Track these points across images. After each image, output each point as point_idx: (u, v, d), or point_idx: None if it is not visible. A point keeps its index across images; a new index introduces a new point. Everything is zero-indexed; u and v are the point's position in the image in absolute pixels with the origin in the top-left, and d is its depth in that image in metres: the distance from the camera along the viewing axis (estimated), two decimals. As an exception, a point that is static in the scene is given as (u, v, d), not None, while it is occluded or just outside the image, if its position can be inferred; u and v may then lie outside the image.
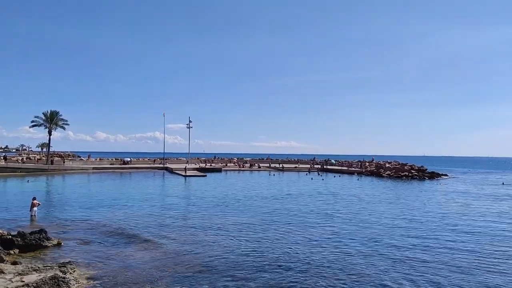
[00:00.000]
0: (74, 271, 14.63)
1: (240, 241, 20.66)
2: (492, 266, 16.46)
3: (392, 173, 75.72)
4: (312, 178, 69.76)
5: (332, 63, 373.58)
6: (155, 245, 19.63)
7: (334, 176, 75.50)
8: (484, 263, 16.89)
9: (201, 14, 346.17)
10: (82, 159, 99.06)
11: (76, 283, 13.43)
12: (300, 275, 15.05)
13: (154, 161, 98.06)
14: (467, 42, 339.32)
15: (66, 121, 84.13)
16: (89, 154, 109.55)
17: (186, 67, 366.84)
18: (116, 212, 29.56)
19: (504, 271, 15.82)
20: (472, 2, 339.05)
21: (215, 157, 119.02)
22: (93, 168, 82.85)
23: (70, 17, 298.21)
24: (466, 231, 24.05)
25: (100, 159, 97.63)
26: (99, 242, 20.11)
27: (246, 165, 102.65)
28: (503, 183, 66.66)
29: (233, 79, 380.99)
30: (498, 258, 17.77)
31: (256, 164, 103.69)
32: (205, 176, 70.22)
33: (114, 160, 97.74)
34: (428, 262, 16.88)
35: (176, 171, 77.43)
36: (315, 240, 20.95)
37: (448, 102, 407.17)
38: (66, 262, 15.57)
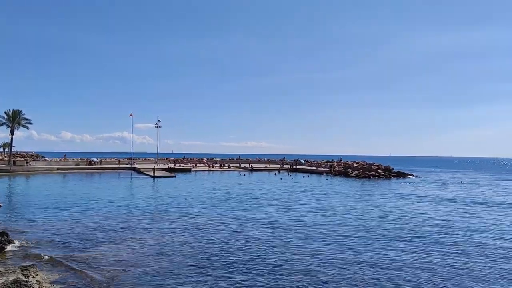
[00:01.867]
0: (37, 275, 14.26)
1: (209, 242, 20.63)
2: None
3: (360, 173, 77.18)
4: (281, 178, 70.29)
5: (303, 63, 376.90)
6: (121, 247, 19.34)
7: (304, 176, 76.29)
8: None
9: (171, 14, 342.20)
10: (46, 159, 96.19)
11: (39, 287, 13.07)
12: (268, 274, 15.18)
13: (119, 161, 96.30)
14: (439, 43, 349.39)
15: (30, 120, 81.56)
16: (65, 155, 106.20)
17: (155, 67, 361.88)
18: (82, 214, 28.92)
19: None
20: (443, 4, 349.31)
21: (184, 157, 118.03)
22: (58, 169, 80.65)
23: (34, 12, 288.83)
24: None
25: (65, 159, 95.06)
26: (64, 245, 19.64)
27: (216, 165, 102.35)
28: (461, 181, 69.65)
29: (202, 78, 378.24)
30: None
31: (226, 164, 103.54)
32: (174, 176, 69.55)
33: (79, 160, 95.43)
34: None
35: (144, 172, 76.36)
36: (285, 240, 21.15)
37: (413, 102, 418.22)
38: (29, 266, 15.15)
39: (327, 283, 14.27)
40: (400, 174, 79.35)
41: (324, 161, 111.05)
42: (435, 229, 24.73)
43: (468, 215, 30.55)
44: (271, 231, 23.48)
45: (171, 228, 24.15)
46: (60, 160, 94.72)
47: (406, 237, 22.09)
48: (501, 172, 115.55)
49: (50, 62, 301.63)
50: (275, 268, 15.93)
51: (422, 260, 17.35)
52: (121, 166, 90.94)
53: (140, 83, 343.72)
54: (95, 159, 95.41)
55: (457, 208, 34.39)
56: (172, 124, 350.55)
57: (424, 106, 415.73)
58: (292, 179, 68.94)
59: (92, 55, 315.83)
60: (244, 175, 79.76)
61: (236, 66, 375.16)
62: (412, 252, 18.73)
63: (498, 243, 21.15)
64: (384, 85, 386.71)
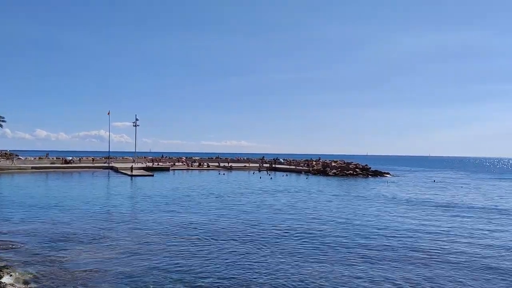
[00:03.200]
0: (10, 275, 14.01)
1: (187, 241, 20.61)
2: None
3: (338, 172, 78.06)
4: (260, 177, 70.49)
5: (282, 63, 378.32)
6: (98, 247, 19.14)
7: (283, 175, 76.69)
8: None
9: (151, 11, 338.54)
10: (20, 158, 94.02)
11: (12, 287, 12.86)
12: (245, 272, 15.29)
13: (93, 160, 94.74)
14: (419, 44, 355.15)
15: (3, 118, 79.72)
16: (47, 153, 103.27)
17: (133, 64, 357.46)
18: (57, 214, 28.45)
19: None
20: (425, 4, 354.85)
21: (162, 156, 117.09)
22: (32, 168, 78.90)
23: (6, 6, 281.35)
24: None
25: (39, 158, 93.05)
26: (38, 245, 19.32)
27: (195, 164, 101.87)
28: (434, 180, 71.69)
29: (182, 77, 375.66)
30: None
31: (205, 163, 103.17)
32: (152, 175, 68.97)
33: (55, 159, 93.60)
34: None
35: (122, 171, 75.45)
36: (264, 238, 21.30)
37: (389, 103, 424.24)
38: (2, 266, 14.89)
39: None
40: (377, 173, 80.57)
41: (303, 160, 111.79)
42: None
43: (421, 218, 29.09)
44: (250, 228, 23.59)
45: (148, 227, 24.00)
46: (35, 159, 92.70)
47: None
48: (477, 171, 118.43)
49: (24, 58, 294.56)
50: (248, 266, 16.05)
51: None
52: (98, 165, 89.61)
53: (118, 81, 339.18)
54: (70, 158, 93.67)
55: (411, 211, 34.73)
56: (151, 122, 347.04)
57: (404, 106, 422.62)
58: (271, 178, 69.18)
59: (69, 52, 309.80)
60: (224, 174, 79.63)
61: (217, 65, 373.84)
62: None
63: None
64: (364, 85, 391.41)
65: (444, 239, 21.87)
